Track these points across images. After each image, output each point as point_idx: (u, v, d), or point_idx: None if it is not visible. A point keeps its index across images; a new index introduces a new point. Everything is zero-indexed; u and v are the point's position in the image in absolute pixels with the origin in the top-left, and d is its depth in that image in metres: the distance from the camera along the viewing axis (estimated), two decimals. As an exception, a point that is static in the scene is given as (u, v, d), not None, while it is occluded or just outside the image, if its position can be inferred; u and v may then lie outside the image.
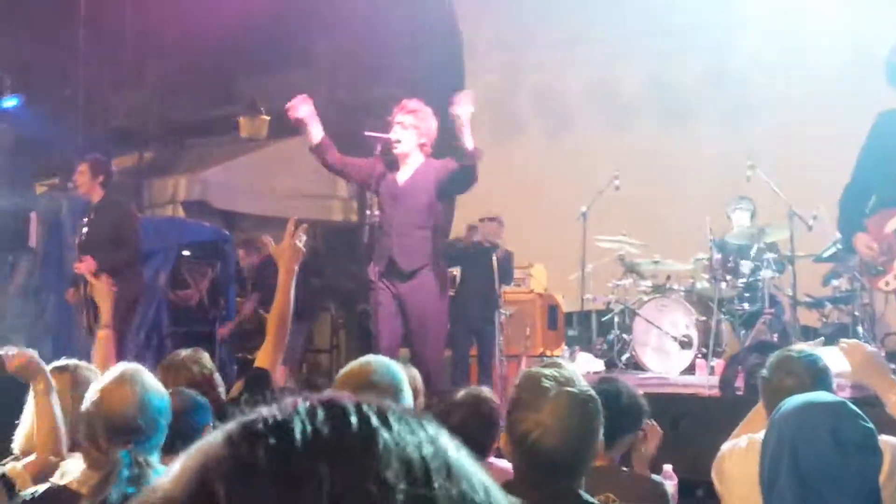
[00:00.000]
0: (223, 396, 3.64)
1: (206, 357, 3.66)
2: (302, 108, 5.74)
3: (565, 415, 2.09)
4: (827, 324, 7.92)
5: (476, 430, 3.20)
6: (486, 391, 3.44)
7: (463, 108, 5.52)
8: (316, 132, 5.78)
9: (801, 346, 3.04)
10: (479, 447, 3.25)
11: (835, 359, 2.88)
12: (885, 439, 2.16)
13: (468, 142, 5.52)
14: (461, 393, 3.36)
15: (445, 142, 5.79)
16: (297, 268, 3.57)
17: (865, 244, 4.70)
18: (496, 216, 8.58)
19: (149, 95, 13.38)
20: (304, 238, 3.61)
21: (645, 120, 11.12)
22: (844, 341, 2.97)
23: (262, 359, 3.51)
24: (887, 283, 4.71)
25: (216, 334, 9.29)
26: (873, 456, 1.99)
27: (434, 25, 12.14)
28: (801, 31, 10.12)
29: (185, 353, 3.69)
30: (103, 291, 4.22)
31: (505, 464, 2.33)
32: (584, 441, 2.13)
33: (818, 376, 2.78)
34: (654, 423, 3.56)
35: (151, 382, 2.70)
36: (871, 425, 2.03)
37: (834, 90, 9.83)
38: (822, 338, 4.20)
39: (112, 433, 2.59)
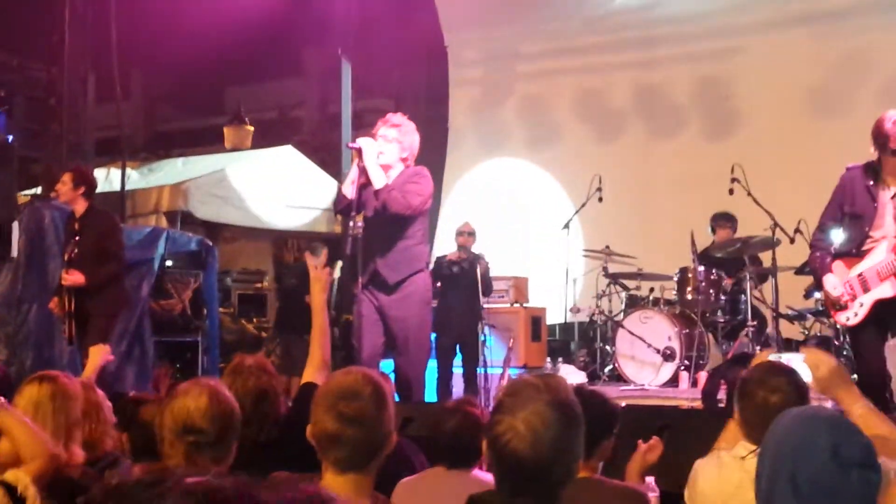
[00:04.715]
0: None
1: (271, 367, 3.66)
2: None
3: (539, 424, 2.08)
4: (809, 336, 7.96)
5: (467, 436, 3.29)
6: (474, 400, 3.52)
7: (364, 152, 5.62)
8: (381, 174, 5.72)
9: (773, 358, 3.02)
10: (471, 453, 3.29)
11: (801, 367, 2.87)
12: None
13: (375, 184, 5.61)
14: (452, 402, 3.45)
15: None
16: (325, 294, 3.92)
17: (832, 284, 5.24)
18: (472, 229, 8.57)
19: (134, 106, 13.36)
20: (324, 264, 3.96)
21: (630, 131, 11.16)
22: (806, 350, 2.95)
23: (309, 374, 3.63)
24: (847, 319, 5.24)
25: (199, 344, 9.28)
26: (873, 473, 1.98)
27: (420, 38, 12.16)
28: (788, 41, 10.18)
29: (250, 360, 3.63)
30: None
31: (489, 477, 2.33)
32: (556, 452, 2.10)
33: (803, 393, 2.77)
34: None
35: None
36: (870, 441, 2.02)
37: (819, 102, 9.89)
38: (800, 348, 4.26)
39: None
